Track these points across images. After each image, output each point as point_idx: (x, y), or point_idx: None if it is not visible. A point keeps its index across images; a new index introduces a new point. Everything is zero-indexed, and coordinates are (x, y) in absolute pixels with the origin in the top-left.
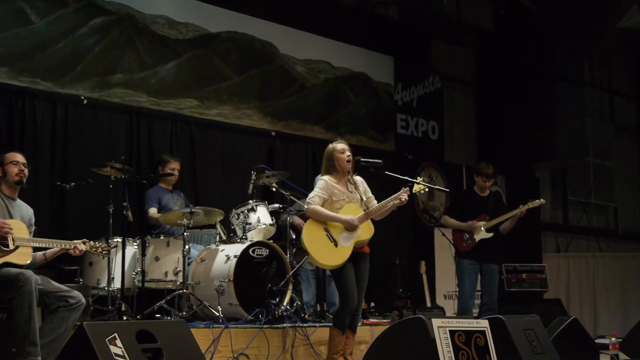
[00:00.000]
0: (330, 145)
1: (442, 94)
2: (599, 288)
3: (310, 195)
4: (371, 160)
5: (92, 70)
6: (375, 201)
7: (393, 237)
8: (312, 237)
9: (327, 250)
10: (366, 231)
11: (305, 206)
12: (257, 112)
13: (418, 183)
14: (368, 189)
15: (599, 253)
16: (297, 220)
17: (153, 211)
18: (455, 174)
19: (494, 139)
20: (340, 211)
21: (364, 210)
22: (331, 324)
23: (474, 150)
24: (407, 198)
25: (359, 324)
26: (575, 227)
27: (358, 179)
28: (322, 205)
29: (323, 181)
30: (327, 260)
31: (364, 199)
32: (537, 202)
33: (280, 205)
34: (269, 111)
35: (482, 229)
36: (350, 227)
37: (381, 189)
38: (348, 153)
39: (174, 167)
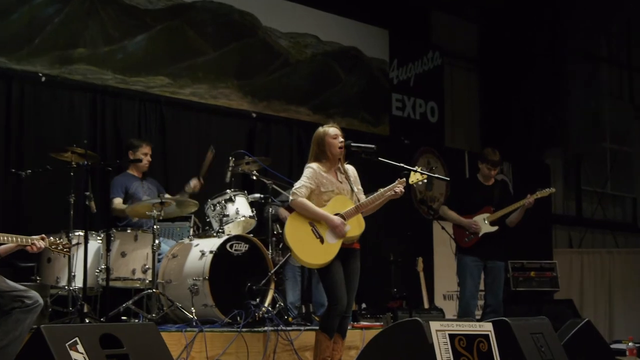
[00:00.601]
0: (321, 129)
1: (442, 72)
2: (616, 287)
3: (297, 185)
4: (363, 145)
5: (51, 44)
6: (363, 195)
7: (387, 231)
8: (295, 233)
9: (312, 248)
10: (356, 226)
11: (291, 197)
12: (236, 91)
13: (415, 171)
14: (358, 181)
15: (615, 249)
16: (283, 212)
17: (118, 201)
18: (456, 160)
19: (500, 122)
20: (328, 204)
21: (354, 203)
22: (318, 328)
23: (477, 135)
24: (403, 190)
25: (348, 328)
26: (589, 220)
27: (349, 167)
28: (309, 197)
29: (311, 169)
30: (311, 259)
31: (355, 190)
32: (546, 191)
33: (262, 196)
34: (249, 90)
35: (486, 221)
36: (332, 229)
37: (374, 178)
38: (341, 139)
39: (146, 152)
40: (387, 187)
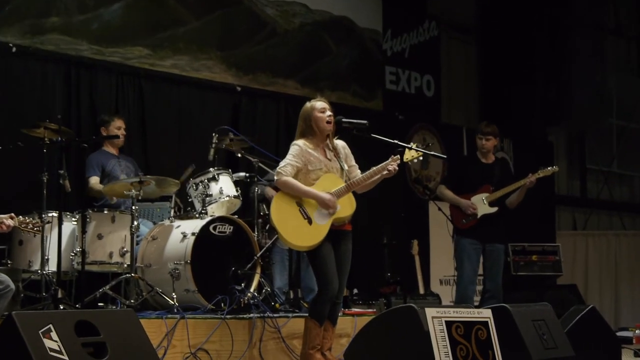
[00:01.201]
0: (308, 104)
1: (439, 44)
2: (622, 272)
3: (282, 163)
4: (354, 120)
5: (23, 12)
6: (359, 171)
7: (380, 212)
8: (282, 213)
9: (299, 229)
10: (347, 207)
11: (276, 177)
12: (220, 64)
13: (410, 149)
14: (351, 156)
15: (622, 231)
16: (270, 192)
17: (95, 180)
18: (454, 137)
19: (500, 96)
20: (317, 182)
21: (345, 182)
22: (307, 315)
23: (476, 110)
24: (396, 168)
25: (339, 314)
26: (595, 201)
27: (340, 143)
28: (296, 176)
29: (297, 146)
30: (299, 241)
31: (345, 168)
32: (549, 170)
33: (247, 174)
34: (233, 62)
35: (485, 202)
36: (325, 208)
37: (366, 156)
38: (329, 113)
39: (119, 125)
40: (380, 165)
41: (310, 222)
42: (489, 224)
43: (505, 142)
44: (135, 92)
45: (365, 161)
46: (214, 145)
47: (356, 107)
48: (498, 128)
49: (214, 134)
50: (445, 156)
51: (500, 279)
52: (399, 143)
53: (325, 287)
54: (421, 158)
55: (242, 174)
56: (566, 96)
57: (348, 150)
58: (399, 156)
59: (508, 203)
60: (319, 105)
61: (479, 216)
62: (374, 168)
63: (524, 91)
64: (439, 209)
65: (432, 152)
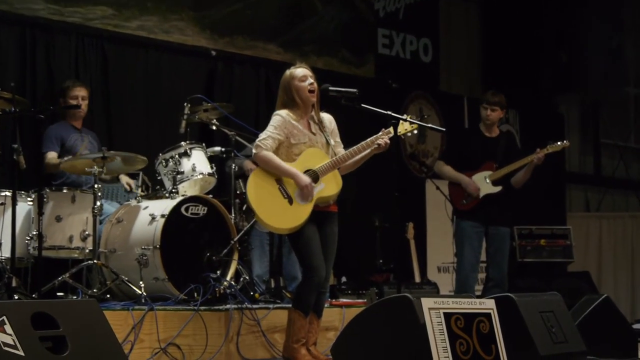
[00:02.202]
0: (287, 72)
1: (437, 3)
2: (639, 258)
3: (262, 136)
4: (343, 89)
5: None
6: (341, 149)
7: (371, 191)
8: (259, 192)
9: (278, 209)
10: (332, 185)
11: (254, 150)
12: (192, 25)
13: (405, 120)
14: (336, 132)
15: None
16: (250, 165)
17: (52, 155)
18: (454, 108)
19: (505, 62)
20: (299, 158)
21: (330, 158)
22: (290, 305)
23: (478, 78)
24: (388, 142)
25: (325, 305)
26: (609, 179)
27: (326, 117)
28: (277, 149)
29: (279, 117)
30: (278, 222)
31: (332, 142)
32: (559, 145)
33: (223, 149)
34: (207, 23)
35: (488, 180)
36: (301, 189)
37: (356, 128)
38: (311, 80)
39: (77, 94)
40: (369, 138)
41: (290, 201)
42: (492, 205)
43: (510, 113)
44: (97, 57)
45: (354, 135)
46: (185, 117)
47: (345, 74)
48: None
49: (185, 104)
50: (444, 129)
51: (504, 266)
52: (393, 114)
53: (310, 273)
54: (416, 132)
55: (217, 148)
56: (578, 62)
57: (334, 125)
58: (391, 129)
59: (513, 182)
60: (299, 73)
61: (480, 196)
62: (363, 142)
63: (531, 56)
64: (437, 187)
65: (429, 125)
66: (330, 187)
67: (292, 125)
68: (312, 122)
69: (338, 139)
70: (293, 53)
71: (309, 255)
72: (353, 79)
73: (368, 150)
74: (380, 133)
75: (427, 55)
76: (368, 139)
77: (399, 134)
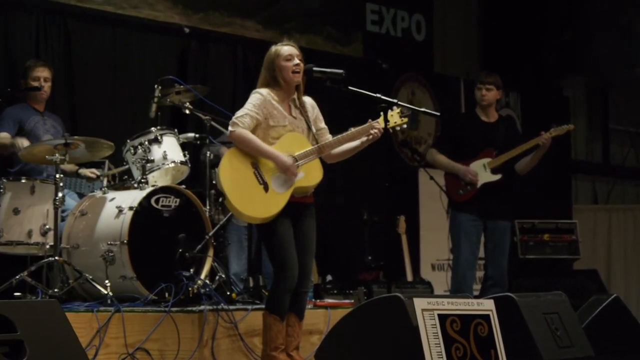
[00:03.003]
0: (273, 48)
1: None
2: None
3: (239, 113)
4: (328, 70)
5: None
6: (330, 135)
7: (359, 181)
8: (233, 175)
9: (252, 196)
10: (312, 174)
11: (230, 128)
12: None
13: (399, 105)
14: (320, 118)
15: None
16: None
17: (4, 135)
18: (449, 91)
19: (505, 41)
20: (278, 142)
21: (312, 145)
22: (268, 309)
23: (476, 58)
24: (381, 130)
25: (308, 306)
26: (619, 168)
27: (308, 101)
28: (254, 131)
29: (259, 95)
30: (251, 210)
31: (314, 130)
32: (563, 128)
33: (197, 135)
34: None
35: (487, 168)
36: (283, 170)
37: (342, 114)
38: (297, 61)
39: (39, 75)
40: (360, 127)
41: (266, 188)
42: (491, 197)
43: (511, 96)
44: (60, 35)
45: (340, 121)
46: (156, 100)
47: (330, 54)
48: (502, 79)
49: (156, 86)
50: (438, 113)
51: (505, 263)
52: (382, 97)
53: (282, 272)
54: (406, 126)
55: (191, 134)
56: (584, 41)
57: (318, 111)
58: (379, 120)
59: (518, 168)
60: (285, 51)
61: (478, 186)
62: (351, 130)
63: (534, 35)
64: (431, 177)
65: (422, 109)
66: (310, 176)
67: (272, 106)
68: (294, 106)
69: (323, 125)
70: (274, 30)
71: (281, 253)
72: (339, 58)
73: (358, 142)
74: (367, 124)
75: (420, 33)
76: (358, 127)
77: (388, 126)
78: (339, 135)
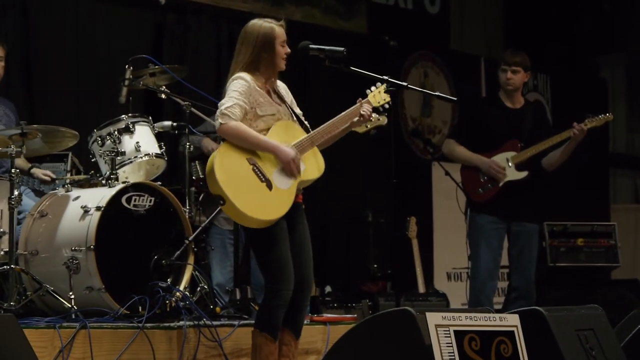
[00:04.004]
0: (267, 25)
1: None
2: None
3: (227, 103)
4: (327, 47)
5: None
6: (306, 122)
7: (362, 177)
8: (231, 175)
9: (257, 196)
10: (313, 167)
11: (220, 120)
12: None
13: (407, 88)
14: (295, 103)
15: None
16: (209, 145)
17: None
18: (467, 71)
19: (533, 14)
20: (268, 134)
21: (304, 133)
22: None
23: (499, 33)
24: (370, 111)
25: (305, 322)
26: None
27: (281, 85)
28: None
29: (244, 82)
30: (260, 213)
31: (295, 117)
32: (600, 119)
33: (175, 124)
34: None
35: (511, 164)
36: (285, 165)
37: (343, 97)
38: (287, 48)
39: None
40: (348, 110)
41: (270, 186)
42: (516, 195)
43: (540, 79)
44: (16, 11)
45: (342, 107)
46: (127, 82)
47: (329, 29)
48: (530, 59)
49: (127, 67)
50: (455, 98)
51: (532, 272)
52: (391, 80)
53: (278, 285)
54: (387, 105)
55: (168, 123)
56: (626, 12)
57: (291, 95)
58: (369, 99)
59: (546, 164)
60: (282, 35)
61: (501, 183)
62: (341, 115)
63: (566, 6)
64: (447, 173)
65: (436, 93)
66: (311, 169)
67: (258, 93)
68: (272, 91)
69: (299, 110)
70: (264, 2)
71: (278, 262)
72: (340, 34)
73: (347, 124)
74: (355, 106)
75: (435, 5)
76: (347, 110)
77: (374, 104)
78: (331, 121)
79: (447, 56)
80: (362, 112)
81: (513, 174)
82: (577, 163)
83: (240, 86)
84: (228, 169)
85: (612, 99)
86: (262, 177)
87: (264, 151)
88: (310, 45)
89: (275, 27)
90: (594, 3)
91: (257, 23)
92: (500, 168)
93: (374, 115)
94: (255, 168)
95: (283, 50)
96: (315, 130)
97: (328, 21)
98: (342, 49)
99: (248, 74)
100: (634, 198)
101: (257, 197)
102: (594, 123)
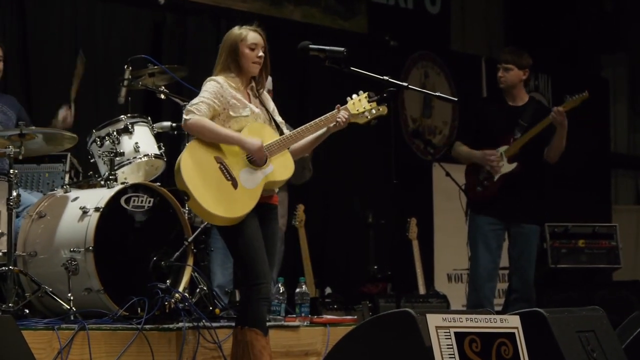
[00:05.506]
0: (237, 31)
1: None
2: None
3: (194, 101)
4: (327, 47)
5: None
6: (287, 129)
7: (362, 178)
8: (196, 171)
9: (221, 193)
10: (282, 168)
11: (185, 116)
12: None
13: (409, 88)
14: (277, 111)
15: None
16: None
17: None
18: (468, 71)
19: (534, 13)
20: (242, 134)
21: (278, 135)
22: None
23: (500, 33)
24: (345, 118)
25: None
26: None
27: (264, 94)
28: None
29: (215, 83)
30: (222, 210)
31: (274, 121)
32: (577, 99)
33: (174, 124)
34: None
35: (504, 157)
36: (253, 154)
37: (341, 96)
38: (260, 52)
39: None
40: (326, 115)
41: (235, 184)
42: (515, 195)
43: (541, 79)
44: (13, 7)
45: (340, 104)
46: (125, 83)
47: (329, 29)
48: (531, 58)
49: (126, 67)
50: (455, 99)
51: (531, 274)
52: (391, 81)
53: (256, 280)
54: (374, 111)
55: (167, 123)
56: (628, 12)
57: (273, 105)
58: (347, 106)
59: (548, 157)
60: (251, 39)
61: (496, 177)
62: (317, 119)
63: (568, 5)
64: (447, 174)
65: (437, 94)
66: (279, 170)
67: (231, 95)
68: (253, 95)
69: (280, 119)
70: (263, 2)
71: (253, 258)
72: (340, 34)
73: (323, 130)
74: (335, 110)
75: (435, 5)
76: (324, 116)
77: (352, 119)
78: (304, 126)
79: (447, 56)
80: (337, 118)
81: (506, 167)
82: (579, 163)
83: (210, 87)
84: (194, 166)
85: (613, 98)
86: (228, 175)
87: (230, 144)
88: (310, 46)
89: (244, 32)
90: (595, 3)
91: (233, 29)
92: (495, 157)
93: (359, 102)
94: (222, 166)
95: (253, 53)
96: (286, 134)
97: (328, 21)
98: (342, 49)
99: (223, 76)
100: (636, 199)
101: (221, 194)
102: (571, 103)
